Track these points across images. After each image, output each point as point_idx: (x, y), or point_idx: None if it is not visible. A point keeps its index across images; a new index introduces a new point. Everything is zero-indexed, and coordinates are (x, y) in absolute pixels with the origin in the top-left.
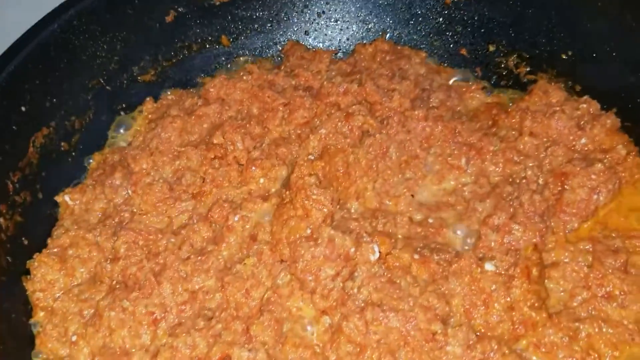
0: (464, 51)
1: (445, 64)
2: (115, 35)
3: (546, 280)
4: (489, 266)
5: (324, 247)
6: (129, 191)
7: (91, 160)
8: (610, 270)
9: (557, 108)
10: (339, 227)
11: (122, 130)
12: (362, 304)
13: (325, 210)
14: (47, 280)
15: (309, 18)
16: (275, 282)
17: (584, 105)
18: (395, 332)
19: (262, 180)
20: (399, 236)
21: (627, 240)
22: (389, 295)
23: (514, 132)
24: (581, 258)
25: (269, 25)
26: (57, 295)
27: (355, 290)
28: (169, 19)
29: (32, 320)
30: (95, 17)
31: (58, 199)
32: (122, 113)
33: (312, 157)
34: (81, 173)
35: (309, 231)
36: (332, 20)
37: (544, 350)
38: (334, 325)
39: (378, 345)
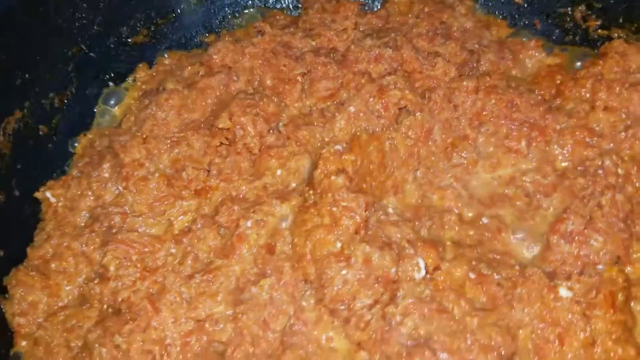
0: None
1: (496, 15)
2: None
3: (632, 302)
4: (564, 292)
5: (358, 270)
6: (120, 187)
7: (76, 144)
8: None
9: (639, 76)
10: (375, 238)
11: (112, 104)
12: (408, 341)
13: (357, 218)
14: (27, 301)
15: None
16: (299, 305)
17: None
18: None
19: (279, 172)
20: (448, 242)
21: None
22: (440, 328)
23: (584, 106)
24: None
25: None
26: (40, 320)
27: (398, 318)
28: None
29: (13, 351)
30: None
31: (38, 195)
32: (110, 84)
33: (340, 148)
34: (65, 161)
35: (338, 245)
36: None
37: None
38: None
39: None
